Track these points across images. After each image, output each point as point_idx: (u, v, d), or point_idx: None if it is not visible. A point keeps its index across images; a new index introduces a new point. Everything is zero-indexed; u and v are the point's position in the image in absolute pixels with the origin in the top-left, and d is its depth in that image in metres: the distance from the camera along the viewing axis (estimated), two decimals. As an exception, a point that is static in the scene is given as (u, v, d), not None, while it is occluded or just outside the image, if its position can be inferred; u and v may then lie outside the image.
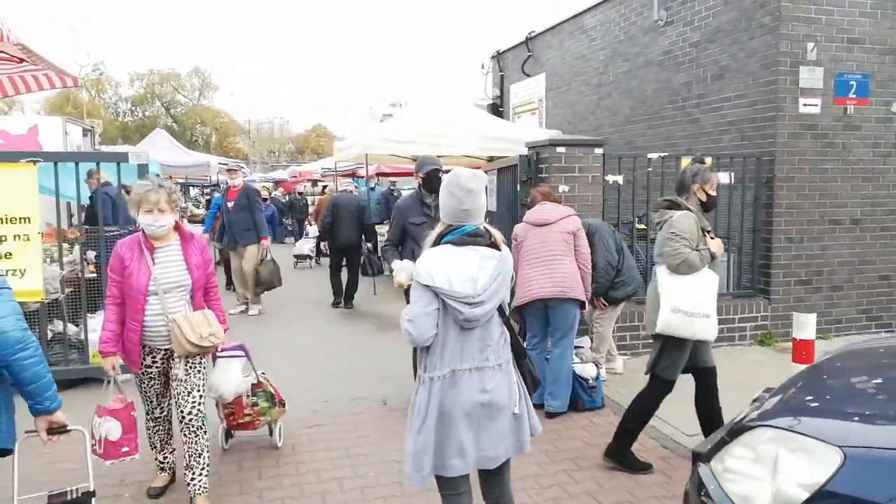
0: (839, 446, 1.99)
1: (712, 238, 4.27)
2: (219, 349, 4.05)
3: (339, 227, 10.03)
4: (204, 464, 3.83)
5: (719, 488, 2.26)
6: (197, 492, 3.81)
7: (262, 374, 4.65)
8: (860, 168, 7.52)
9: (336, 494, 4.13)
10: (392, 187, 16.47)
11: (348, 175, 17.11)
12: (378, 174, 14.00)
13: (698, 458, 2.59)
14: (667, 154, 7.25)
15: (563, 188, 6.53)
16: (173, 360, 3.79)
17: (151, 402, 3.97)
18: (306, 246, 12.63)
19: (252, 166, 50.72)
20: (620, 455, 4.44)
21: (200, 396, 3.83)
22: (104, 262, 6.17)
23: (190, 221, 13.97)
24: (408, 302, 3.11)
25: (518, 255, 5.30)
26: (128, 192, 8.77)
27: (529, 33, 13.12)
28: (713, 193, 4.31)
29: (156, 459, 4.12)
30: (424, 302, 2.87)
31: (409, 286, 3.28)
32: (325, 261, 11.59)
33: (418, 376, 3.04)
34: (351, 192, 10.96)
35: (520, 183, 6.89)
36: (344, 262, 10.27)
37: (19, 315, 2.65)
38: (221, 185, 17.71)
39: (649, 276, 7.15)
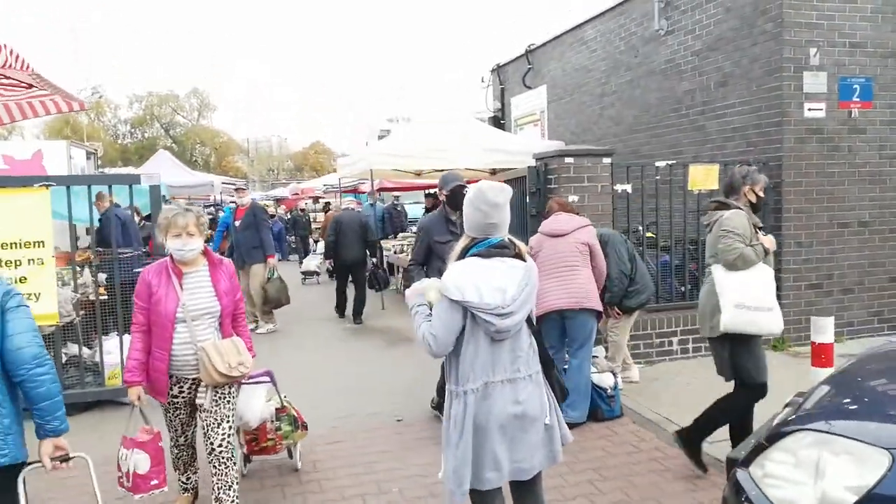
0: (887, 448, 1.98)
1: (765, 234, 4.31)
2: (246, 377, 3.91)
3: (342, 245, 10.11)
4: (234, 496, 3.72)
5: (761, 493, 2.25)
6: None
7: (285, 397, 4.56)
8: (867, 171, 7.54)
9: (362, 511, 4.13)
10: (395, 202, 16.49)
11: (350, 191, 17.16)
12: (380, 189, 14.06)
13: (734, 464, 2.59)
14: (674, 162, 7.28)
15: (572, 198, 6.54)
16: (200, 389, 3.68)
17: (177, 430, 3.88)
18: (313, 262, 12.68)
19: (251, 185, 50.81)
20: (691, 446, 4.43)
21: (230, 427, 3.73)
22: (116, 283, 6.19)
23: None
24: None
25: (534, 266, 5.31)
26: (138, 214, 8.87)
27: (529, 46, 13.20)
28: (762, 194, 4.41)
29: (179, 480, 4.07)
30: (450, 317, 2.89)
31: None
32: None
33: (449, 390, 3.03)
34: (353, 209, 11.02)
35: (529, 194, 6.91)
36: (350, 279, 10.36)
37: (36, 332, 2.69)
38: (223, 205, 17.75)
39: (660, 284, 7.22)
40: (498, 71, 14.84)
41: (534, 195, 6.86)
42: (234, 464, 3.77)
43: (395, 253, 12.65)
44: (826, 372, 4.56)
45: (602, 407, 5.46)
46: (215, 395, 3.67)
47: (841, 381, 2.59)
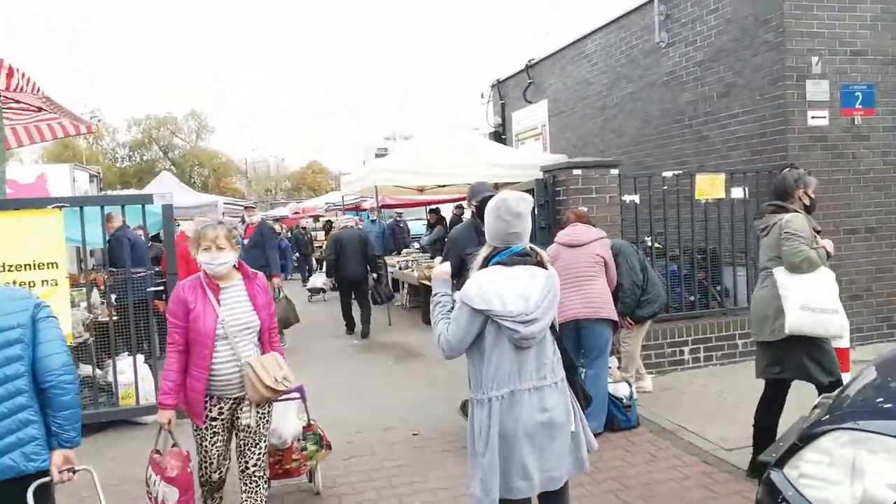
0: None
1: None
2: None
3: (344, 262, 10.28)
4: None
5: (797, 494, 2.26)
6: None
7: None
8: (871, 177, 7.60)
9: (385, 525, 4.12)
10: (398, 219, 16.54)
11: (352, 209, 17.22)
12: (383, 206, 14.13)
13: (765, 466, 2.59)
14: (680, 172, 7.33)
15: (580, 209, 6.58)
16: (241, 408, 3.57)
17: (211, 462, 3.59)
18: (319, 279, 12.74)
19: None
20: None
21: (266, 446, 3.67)
22: (129, 303, 6.21)
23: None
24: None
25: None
26: (146, 234, 8.88)
27: (529, 61, 13.31)
28: (814, 196, 4.44)
29: (204, 501, 3.94)
30: (468, 326, 2.92)
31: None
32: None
33: (473, 398, 3.04)
34: (352, 226, 11.22)
35: (537, 206, 6.94)
36: (353, 296, 10.49)
37: (64, 341, 2.79)
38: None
39: (669, 294, 7.23)
40: (498, 86, 14.95)
41: (542, 207, 6.90)
42: (266, 484, 3.73)
43: (399, 269, 12.67)
44: (843, 376, 4.56)
45: (619, 417, 5.47)
46: (257, 414, 3.58)
47: (872, 381, 2.61)
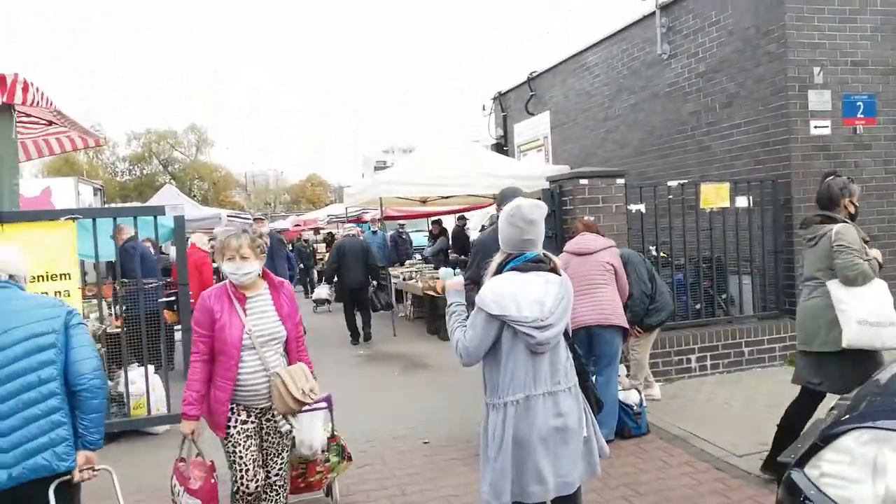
0: None
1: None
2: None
3: (346, 270, 10.56)
4: None
5: (820, 493, 2.30)
6: None
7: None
8: (874, 186, 7.67)
9: (401, 532, 4.14)
10: (400, 230, 16.62)
11: (353, 221, 17.30)
12: (386, 218, 14.21)
13: (784, 467, 2.63)
14: (685, 181, 7.40)
15: (587, 219, 6.64)
16: (268, 418, 3.53)
17: (247, 469, 3.44)
18: (324, 291, 12.80)
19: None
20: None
21: (288, 456, 3.66)
22: (140, 315, 6.24)
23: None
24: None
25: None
26: (154, 246, 8.92)
27: (531, 74, 13.43)
28: (857, 205, 4.39)
29: None
30: (485, 332, 2.97)
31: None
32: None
33: (487, 403, 3.09)
34: (354, 235, 11.49)
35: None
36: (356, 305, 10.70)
37: (94, 347, 2.94)
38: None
39: (675, 302, 7.28)
40: (500, 99, 15.07)
41: (549, 217, 6.92)
42: (287, 494, 3.72)
43: (403, 280, 12.72)
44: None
45: (629, 424, 5.50)
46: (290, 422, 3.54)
47: (888, 383, 2.66)
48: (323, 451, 4.14)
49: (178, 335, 8.48)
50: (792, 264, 7.53)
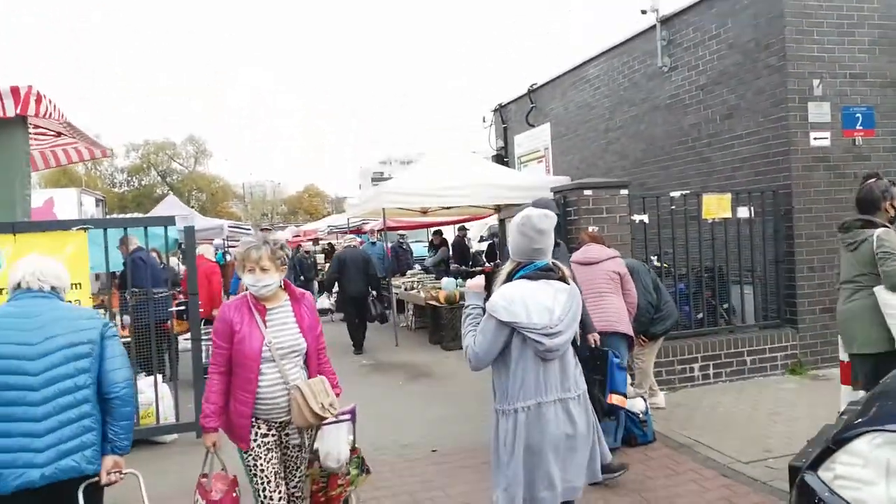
0: None
1: None
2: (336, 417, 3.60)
3: (347, 280, 10.75)
4: None
5: (834, 495, 2.36)
6: None
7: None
8: (873, 196, 7.76)
9: (414, 538, 4.17)
10: (401, 241, 16.69)
11: (353, 231, 17.37)
12: (389, 229, 14.29)
13: (797, 471, 2.69)
14: (688, 192, 7.49)
15: (592, 229, 6.72)
16: (287, 433, 3.48)
17: (269, 481, 3.37)
18: (326, 301, 12.85)
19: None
20: None
21: (306, 469, 3.57)
22: (151, 324, 6.30)
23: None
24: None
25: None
26: (159, 256, 8.98)
27: (531, 86, 13.55)
28: None
29: None
30: (495, 338, 3.05)
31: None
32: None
33: (497, 409, 3.15)
34: (355, 246, 11.61)
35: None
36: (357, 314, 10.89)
37: (126, 357, 3.11)
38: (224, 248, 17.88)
39: (679, 310, 7.35)
40: (500, 111, 15.18)
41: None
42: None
43: (405, 290, 12.77)
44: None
45: (635, 432, 5.55)
46: (307, 437, 3.53)
47: (895, 389, 2.73)
48: (346, 465, 3.96)
49: (185, 344, 8.53)
50: (793, 274, 7.62)
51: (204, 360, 8.18)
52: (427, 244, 18.22)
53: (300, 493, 3.59)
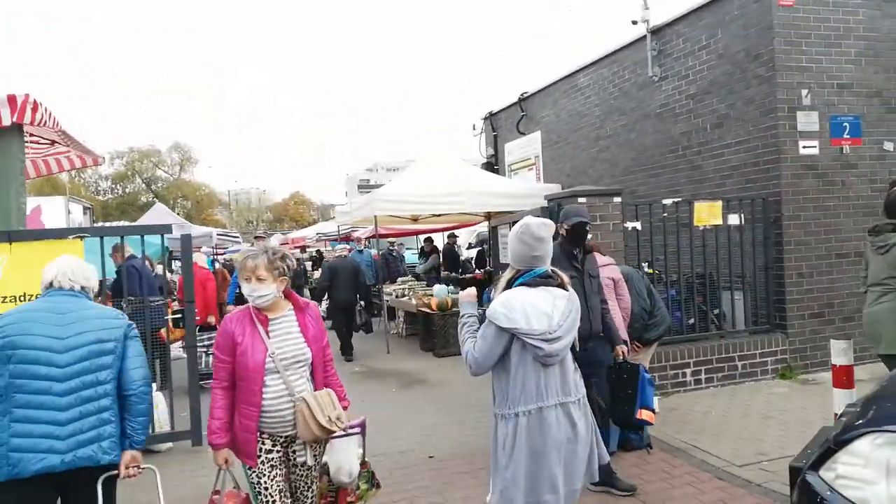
0: None
1: None
2: (346, 430, 3.51)
3: (338, 289, 10.80)
4: None
5: (836, 494, 2.42)
6: None
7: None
8: (860, 204, 7.91)
9: (416, 543, 4.20)
10: (391, 248, 16.71)
11: (343, 239, 17.39)
12: (376, 236, 14.34)
13: (797, 472, 2.76)
14: (680, 200, 7.59)
15: (590, 239, 6.79)
16: (293, 447, 3.36)
17: (273, 500, 3.29)
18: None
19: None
20: None
21: (317, 486, 3.47)
22: (147, 333, 6.26)
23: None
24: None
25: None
26: (151, 265, 8.97)
27: (522, 94, 13.66)
28: None
29: None
30: (495, 343, 3.12)
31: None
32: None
33: (497, 413, 3.22)
34: (345, 256, 11.71)
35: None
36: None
37: (145, 357, 3.31)
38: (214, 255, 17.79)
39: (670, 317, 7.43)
40: (491, 119, 15.28)
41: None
42: None
43: (396, 297, 12.79)
44: (847, 392, 4.77)
45: (631, 437, 5.61)
46: (313, 452, 3.40)
47: (892, 391, 2.81)
48: (355, 479, 3.88)
49: (177, 352, 8.50)
50: (783, 280, 7.73)
51: (202, 367, 8.23)
52: (417, 251, 18.27)
53: None
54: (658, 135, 9.62)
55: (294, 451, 3.38)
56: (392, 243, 17.33)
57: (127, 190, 56.73)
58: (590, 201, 6.91)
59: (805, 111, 7.64)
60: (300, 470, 3.40)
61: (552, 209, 7.20)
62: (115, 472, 3.12)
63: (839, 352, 5.04)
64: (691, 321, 7.85)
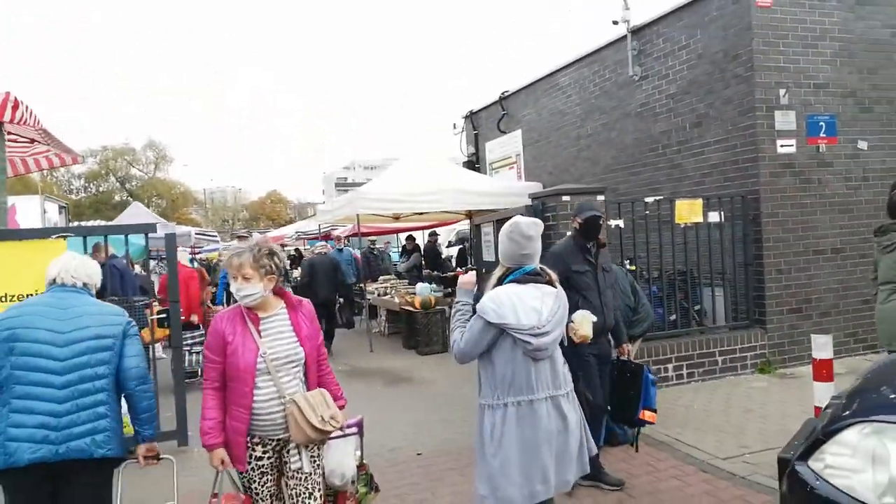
0: None
1: None
2: (342, 430, 3.43)
3: (317, 285, 10.80)
4: None
5: (826, 483, 2.50)
6: None
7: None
8: (836, 201, 8.09)
9: (409, 539, 4.23)
10: (371, 246, 16.69)
11: (325, 237, 17.34)
12: (358, 234, 14.31)
13: (786, 463, 2.83)
14: (661, 198, 7.70)
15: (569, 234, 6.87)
16: (287, 451, 3.23)
17: (265, 501, 3.27)
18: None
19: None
20: None
21: (321, 495, 3.30)
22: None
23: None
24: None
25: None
26: (131, 264, 8.89)
27: (503, 93, 13.72)
28: None
29: None
30: (481, 337, 3.23)
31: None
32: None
33: (485, 404, 3.31)
34: (324, 253, 11.77)
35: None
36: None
37: (143, 357, 3.38)
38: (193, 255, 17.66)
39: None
40: (471, 117, 15.33)
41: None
42: None
43: (378, 295, 12.80)
44: (828, 386, 4.88)
45: (617, 431, 5.69)
46: (309, 456, 3.25)
47: (878, 382, 2.90)
48: (353, 482, 3.76)
49: (159, 352, 8.44)
50: (762, 276, 7.88)
51: (189, 366, 8.20)
52: (399, 250, 18.28)
53: None
54: (638, 133, 9.74)
55: (289, 454, 3.24)
56: (373, 241, 17.31)
57: (101, 189, 55.88)
58: (574, 199, 6.97)
59: (783, 110, 7.79)
60: (295, 478, 3.24)
61: (537, 207, 7.27)
62: (122, 466, 3.28)
63: (820, 346, 5.16)
64: (673, 317, 7.96)
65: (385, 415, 7.15)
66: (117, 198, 54.01)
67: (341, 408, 3.40)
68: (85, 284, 3.35)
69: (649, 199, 7.56)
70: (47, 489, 3.09)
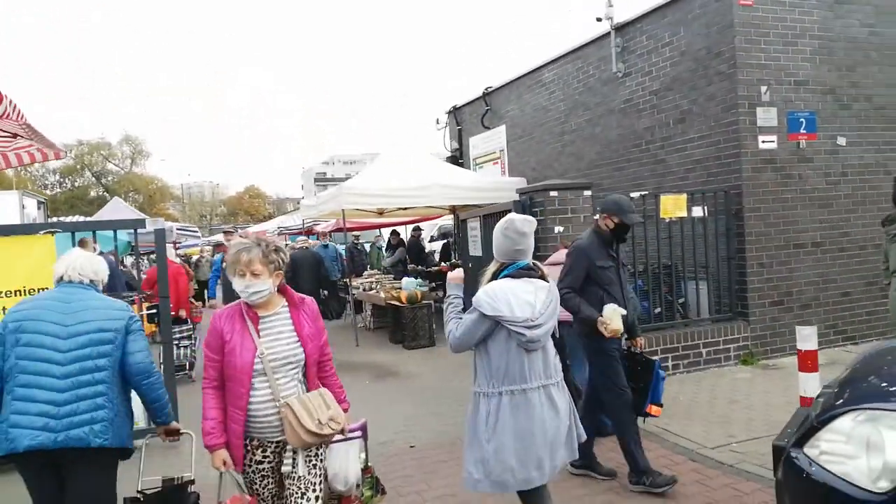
0: None
1: None
2: (344, 433, 3.29)
3: (299, 280, 10.71)
4: None
5: (821, 469, 2.59)
6: None
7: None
8: (816, 196, 8.26)
9: (406, 531, 4.28)
10: (355, 241, 16.69)
11: (307, 232, 17.30)
12: (343, 229, 14.30)
13: (781, 451, 2.93)
14: (647, 192, 7.81)
15: (558, 229, 6.98)
16: (286, 453, 3.12)
17: (267, 503, 3.23)
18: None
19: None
20: None
21: (317, 497, 3.16)
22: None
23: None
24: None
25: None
26: (117, 259, 8.81)
27: (486, 88, 13.77)
28: None
29: None
30: (475, 328, 3.35)
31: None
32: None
33: (478, 392, 3.42)
34: (307, 248, 11.88)
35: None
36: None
37: (148, 351, 3.46)
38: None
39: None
40: (455, 112, 15.36)
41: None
42: None
43: (363, 290, 12.81)
44: (813, 377, 5.01)
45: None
46: (305, 458, 3.13)
47: (868, 370, 3.00)
48: (358, 486, 3.67)
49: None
50: (744, 269, 8.03)
51: (177, 360, 8.19)
52: (385, 244, 18.29)
53: None
54: (622, 129, 9.85)
55: (284, 456, 3.15)
56: (357, 237, 17.29)
57: (76, 184, 55.00)
58: (561, 194, 7.08)
59: (764, 107, 7.94)
60: (289, 480, 3.15)
61: (525, 203, 7.35)
62: (128, 456, 3.41)
63: (804, 338, 5.29)
64: (657, 310, 8.08)
65: (374, 408, 7.17)
66: (93, 193, 53.26)
67: (345, 410, 3.28)
68: (91, 281, 3.49)
69: (634, 195, 7.65)
70: (52, 479, 3.18)
